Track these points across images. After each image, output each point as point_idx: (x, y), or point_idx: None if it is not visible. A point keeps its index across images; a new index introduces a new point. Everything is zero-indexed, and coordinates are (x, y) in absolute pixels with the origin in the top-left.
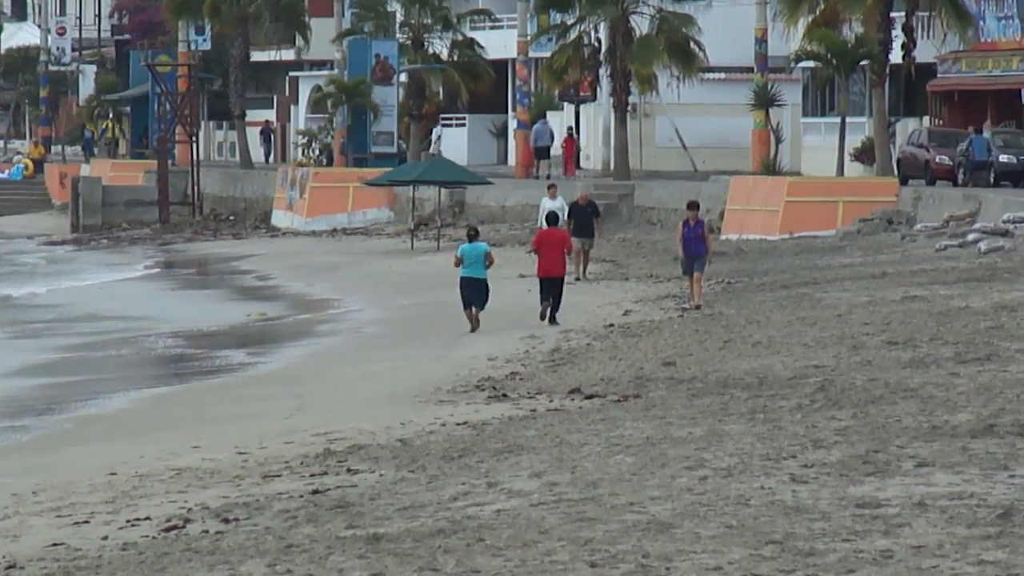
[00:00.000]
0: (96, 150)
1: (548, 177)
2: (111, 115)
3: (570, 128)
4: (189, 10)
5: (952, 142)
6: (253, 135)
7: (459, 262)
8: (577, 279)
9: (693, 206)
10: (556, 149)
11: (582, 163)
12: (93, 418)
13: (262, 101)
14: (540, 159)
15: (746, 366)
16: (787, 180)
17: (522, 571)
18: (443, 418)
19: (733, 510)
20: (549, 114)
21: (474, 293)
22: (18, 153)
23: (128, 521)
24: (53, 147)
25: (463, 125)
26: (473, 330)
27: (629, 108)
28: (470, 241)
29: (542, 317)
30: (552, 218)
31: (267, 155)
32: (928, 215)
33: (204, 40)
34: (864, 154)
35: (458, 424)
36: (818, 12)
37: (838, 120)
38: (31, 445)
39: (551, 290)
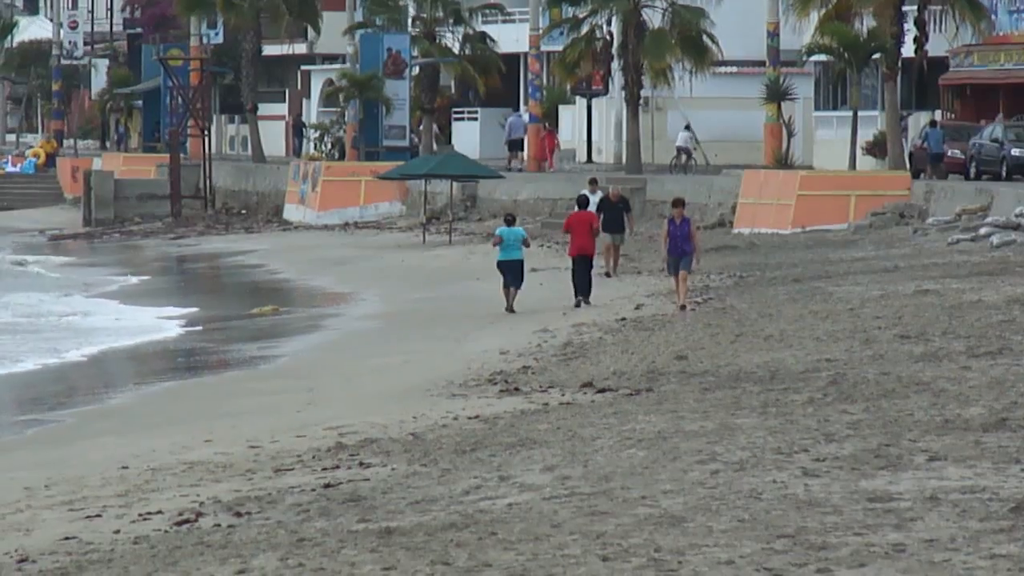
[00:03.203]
0: (108, 144)
1: (520, 170)
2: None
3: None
4: (201, 5)
5: (964, 136)
6: (268, 128)
7: (499, 241)
8: (608, 275)
9: (679, 203)
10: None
11: (594, 157)
12: (104, 412)
13: (274, 95)
14: (514, 151)
15: (758, 360)
16: (799, 174)
17: (534, 565)
18: (455, 412)
19: (745, 504)
20: (561, 108)
21: (511, 273)
22: (30, 147)
23: (140, 515)
24: (65, 141)
25: (475, 119)
26: (508, 310)
27: (641, 102)
28: (508, 226)
29: (577, 305)
30: (583, 201)
31: (298, 149)
32: (940, 209)
33: (216, 34)
34: (876, 148)
35: (470, 418)
36: (830, 6)
37: (850, 114)
38: (42, 439)
39: (582, 267)
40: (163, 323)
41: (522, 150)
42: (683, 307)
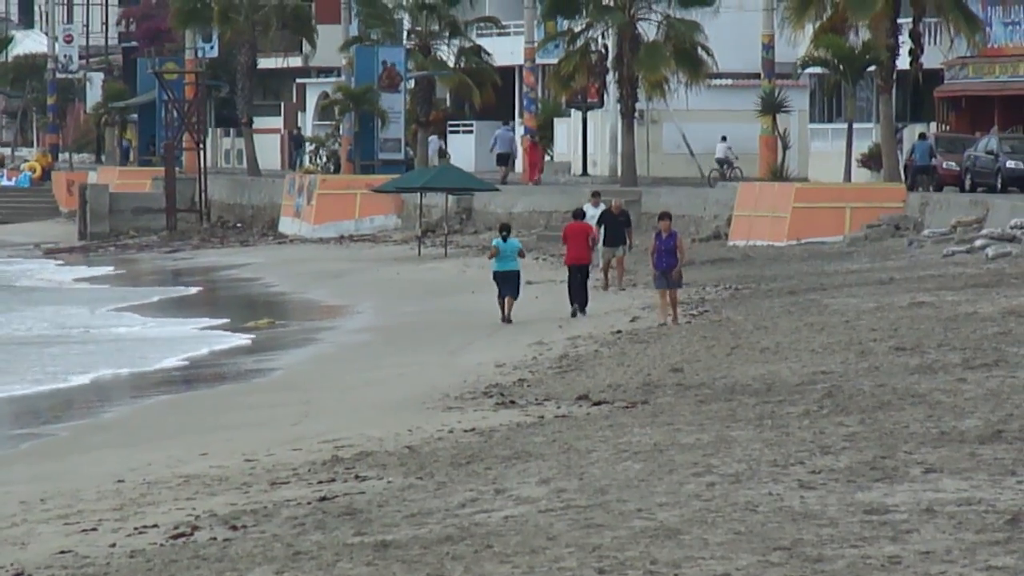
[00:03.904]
0: (103, 158)
1: (505, 180)
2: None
3: (533, 135)
4: (196, 18)
5: (959, 148)
6: (264, 142)
7: (494, 254)
8: (605, 289)
9: (665, 217)
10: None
11: (589, 170)
12: (100, 425)
13: (269, 108)
14: (500, 165)
15: (754, 372)
16: (794, 186)
17: None
18: (451, 425)
19: (741, 516)
20: (557, 121)
21: (508, 284)
22: (25, 160)
23: (136, 528)
24: (60, 154)
25: (470, 132)
26: (504, 320)
27: (636, 114)
28: (504, 240)
29: (573, 315)
30: (579, 214)
31: (298, 161)
32: (935, 221)
33: (211, 47)
34: (871, 160)
35: (466, 431)
36: (825, 18)
37: (845, 126)
38: (38, 452)
39: (578, 275)
40: (214, 333)
41: (508, 163)
42: (664, 323)
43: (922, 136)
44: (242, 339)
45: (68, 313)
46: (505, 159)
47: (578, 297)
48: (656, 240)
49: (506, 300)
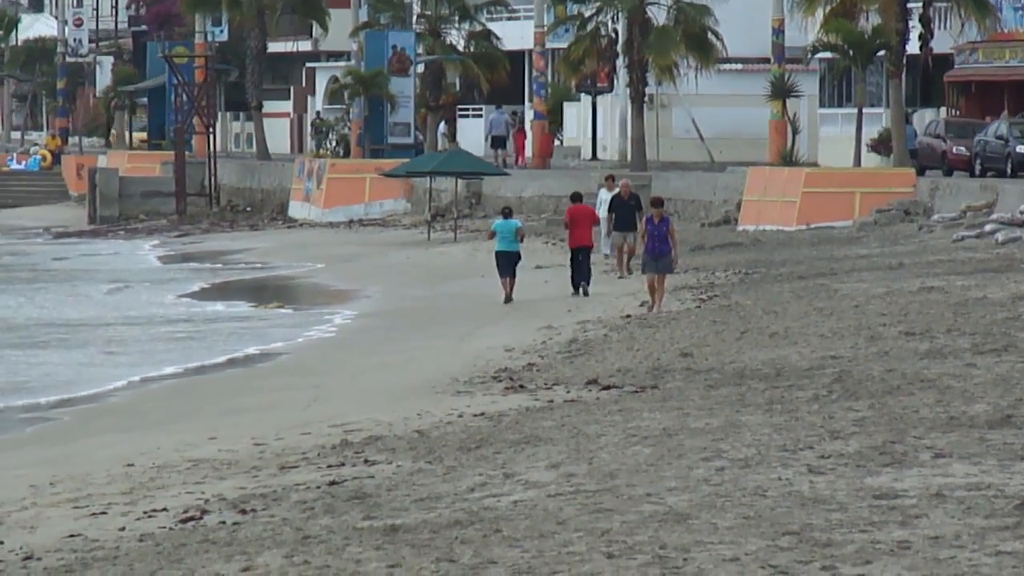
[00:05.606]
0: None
1: (504, 164)
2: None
3: (521, 123)
4: (206, 2)
5: (969, 133)
6: (273, 126)
7: (492, 235)
8: (620, 276)
9: (657, 203)
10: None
11: (599, 154)
12: (109, 409)
13: (279, 92)
14: (495, 148)
15: (763, 357)
16: (804, 171)
17: (539, 562)
18: (460, 409)
19: (750, 501)
20: (566, 105)
21: (507, 264)
22: (35, 144)
23: (145, 512)
24: (70, 138)
25: (480, 116)
26: (506, 301)
27: (646, 99)
28: (504, 219)
29: (576, 294)
30: (576, 197)
31: (318, 147)
32: (945, 206)
33: (221, 31)
34: (881, 145)
35: (475, 415)
36: (835, 3)
37: (855, 111)
38: (48, 436)
39: (581, 257)
40: (315, 313)
41: (504, 147)
42: (651, 308)
43: (908, 122)
44: (347, 316)
45: (155, 297)
46: (501, 142)
47: (583, 275)
48: (648, 225)
49: (507, 280)
